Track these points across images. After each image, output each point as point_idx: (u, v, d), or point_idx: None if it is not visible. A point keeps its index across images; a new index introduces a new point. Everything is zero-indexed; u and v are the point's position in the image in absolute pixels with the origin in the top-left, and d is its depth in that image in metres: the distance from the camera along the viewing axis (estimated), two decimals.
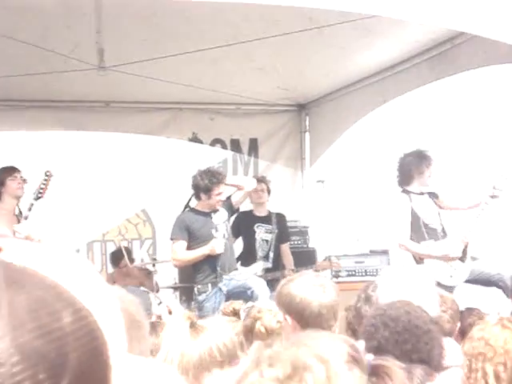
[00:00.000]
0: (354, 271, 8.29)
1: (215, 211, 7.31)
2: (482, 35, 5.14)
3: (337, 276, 7.62)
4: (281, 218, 8.30)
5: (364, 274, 8.23)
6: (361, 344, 1.33)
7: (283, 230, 8.28)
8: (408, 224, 6.88)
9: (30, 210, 6.80)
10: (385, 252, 8.39)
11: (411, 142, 7.75)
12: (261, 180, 8.19)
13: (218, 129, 9.51)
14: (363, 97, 8.56)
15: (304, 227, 9.14)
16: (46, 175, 6.94)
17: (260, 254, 8.04)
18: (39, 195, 6.86)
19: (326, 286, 3.34)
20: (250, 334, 3.73)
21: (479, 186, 7.12)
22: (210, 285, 7.18)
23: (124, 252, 8.28)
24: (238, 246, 8.11)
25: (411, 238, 6.85)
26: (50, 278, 0.74)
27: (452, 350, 3.00)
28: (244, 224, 8.10)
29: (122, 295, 2.20)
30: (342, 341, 1.27)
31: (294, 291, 3.28)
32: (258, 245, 8.05)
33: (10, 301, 0.69)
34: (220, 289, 7.15)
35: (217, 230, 7.23)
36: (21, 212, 6.95)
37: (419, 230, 6.90)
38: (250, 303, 4.59)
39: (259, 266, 7.90)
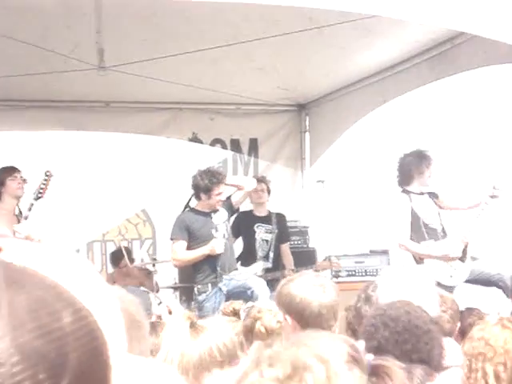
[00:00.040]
0: (354, 271, 8.29)
1: (215, 211, 7.30)
2: (481, 35, 5.14)
3: (337, 276, 7.62)
4: (281, 218, 8.30)
5: (364, 274, 8.23)
6: (361, 344, 1.33)
7: (283, 230, 8.28)
8: (408, 224, 6.88)
9: (29, 209, 6.80)
10: (385, 252, 8.39)
11: (411, 142, 7.75)
12: (261, 180, 8.19)
13: (218, 129, 9.51)
14: (363, 97, 8.56)
15: (304, 227, 9.14)
16: (46, 175, 6.94)
17: (260, 254, 8.04)
18: (39, 195, 6.86)
19: (326, 286, 3.34)
20: (250, 333, 3.73)
21: (479, 186, 7.12)
22: (210, 285, 7.17)
23: (124, 252, 8.28)
24: (238, 246, 8.11)
25: (411, 238, 6.85)
26: (50, 278, 0.74)
27: (452, 350, 3.00)
28: (244, 224, 8.10)
29: (121, 295, 2.20)
30: (342, 341, 1.27)
31: (294, 291, 3.27)
32: (257, 245, 8.05)
33: (10, 301, 0.69)
34: (220, 289, 7.15)
35: (217, 230, 7.23)
36: (21, 212, 6.95)
37: (419, 229, 6.90)
38: (250, 303, 4.59)
39: (259, 266, 7.89)
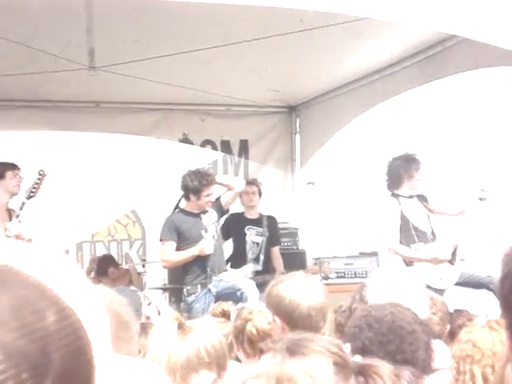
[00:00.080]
0: (344, 273, 8.30)
1: (205, 212, 7.30)
2: (472, 38, 5.15)
3: (326, 278, 7.63)
4: (272, 220, 8.30)
5: (353, 275, 8.25)
6: (347, 347, 1.33)
7: (274, 232, 8.28)
8: (397, 228, 6.89)
9: (21, 208, 6.76)
10: (374, 254, 8.41)
11: (402, 144, 7.77)
12: (252, 183, 8.20)
13: (208, 130, 9.50)
14: (354, 99, 8.57)
15: (294, 229, 9.15)
16: (40, 174, 6.89)
17: (250, 256, 8.04)
18: (31, 194, 6.82)
19: (315, 287, 3.34)
20: (240, 335, 3.72)
21: (468, 189, 7.13)
22: (199, 286, 7.16)
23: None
24: (228, 247, 8.10)
25: (401, 242, 6.86)
26: (34, 277, 0.73)
27: (441, 353, 3.00)
28: (234, 226, 8.10)
29: (110, 295, 2.19)
30: (328, 348, 1.26)
31: (284, 292, 3.27)
32: (248, 247, 8.05)
33: None
34: (209, 290, 7.14)
35: (206, 231, 7.22)
36: (13, 210, 6.92)
37: (409, 233, 6.91)
38: (240, 304, 4.58)
39: (249, 268, 7.89)
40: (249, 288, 7.05)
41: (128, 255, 9.12)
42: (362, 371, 1.22)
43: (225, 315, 4.39)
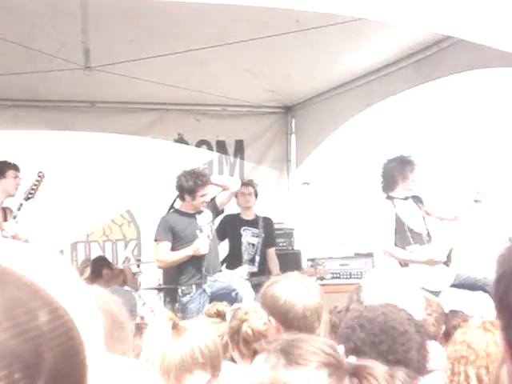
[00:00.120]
0: (339, 274, 8.29)
1: (199, 212, 7.29)
2: (467, 39, 5.16)
3: (321, 278, 7.62)
4: (268, 222, 8.31)
5: (349, 276, 8.25)
6: (340, 348, 1.33)
7: (270, 234, 8.29)
8: (392, 231, 6.89)
9: (19, 209, 6.74)
10: (369, 255, 8.40)
11: (397, 145, 7.78)
12: (248, 184, 8.19)
13: (203, 130, 9.50)
14: (349, 100, 8.58)
15: (289, 229, 9.14)
16: (39, 176, 6.87)
17: (246, 257, 8.03)
18: (29, 196, 6.80)
19: (311, 288, 3.34)
20: (236, 335, 3.72)
21: (463, 191, 7.13)
22: (194, 286, 7.15)
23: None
24: (224, 248, 8.10)
25: (396, 244, 6.86)
26: (27, 277, 0.73)
27: (436, 354, 3.00)
28: (230, 227, 8.10)
29: (104, 296, 2.19)
30: (322, 349, 1.26)
31: (279, 293, 3.27)
32: (243, 248, 8.05)
33: None
34: (204, 290, 7.13)
35: (201, 231, 7.21)
36: (7, 209, 6.91)
37: (404, 234, 6.91)
38: (235, 305, 4.57)
39: (245, 269, 7.87)
40: (244, 288, 7.05)
41: (128, 259, 9.11)
42: (356, 372, 1.22)
43: (220, 316, 4.37)
